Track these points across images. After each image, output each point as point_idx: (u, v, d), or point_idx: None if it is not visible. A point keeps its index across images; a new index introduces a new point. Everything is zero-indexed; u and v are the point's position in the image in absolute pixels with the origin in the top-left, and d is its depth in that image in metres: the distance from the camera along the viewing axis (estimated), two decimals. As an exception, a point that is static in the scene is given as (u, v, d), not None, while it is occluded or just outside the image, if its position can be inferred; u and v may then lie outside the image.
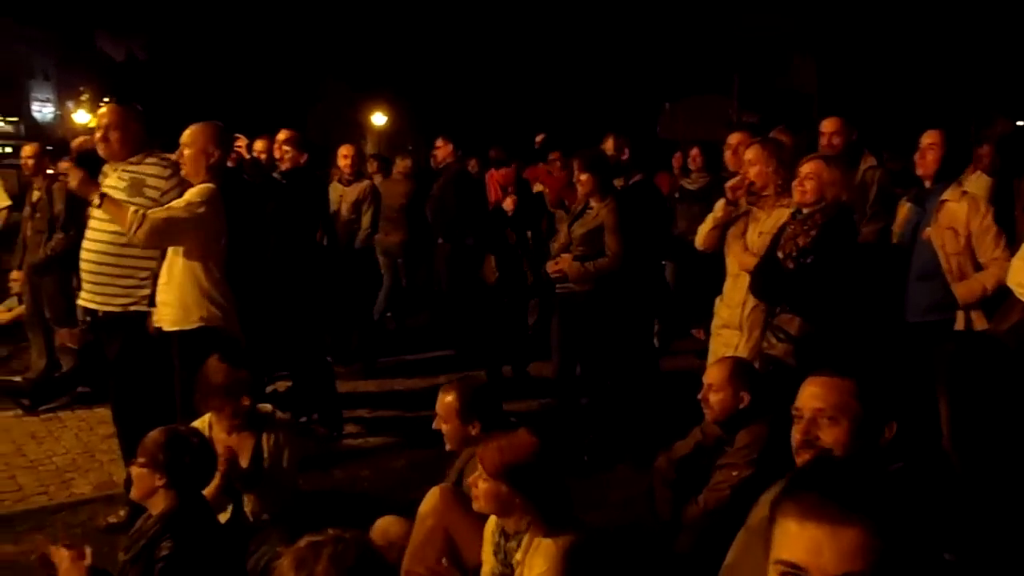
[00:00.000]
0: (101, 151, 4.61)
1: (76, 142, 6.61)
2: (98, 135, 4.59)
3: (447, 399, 3.75)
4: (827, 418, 2.47)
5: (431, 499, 3.59)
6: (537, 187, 8.58)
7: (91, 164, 4.69)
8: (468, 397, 3.75)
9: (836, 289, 4.09)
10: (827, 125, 5.56)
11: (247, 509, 3.96)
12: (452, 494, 3.61)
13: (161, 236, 4.33)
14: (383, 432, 6.22)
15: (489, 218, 8.04)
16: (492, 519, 3.28)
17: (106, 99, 5.33)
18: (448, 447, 3.80)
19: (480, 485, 3.13)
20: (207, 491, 3.65)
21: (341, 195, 7.71)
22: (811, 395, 2.53)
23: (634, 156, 6.19)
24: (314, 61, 35.44)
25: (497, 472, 3.08)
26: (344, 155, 7.90)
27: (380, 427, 6.34)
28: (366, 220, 7.72)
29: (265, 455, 4.00)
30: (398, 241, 8.87)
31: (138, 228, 4.22)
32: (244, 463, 3.98)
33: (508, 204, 7.77)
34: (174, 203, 4.38)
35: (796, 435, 2.52)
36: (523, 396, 6.62)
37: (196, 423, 4.01)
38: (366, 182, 7.99)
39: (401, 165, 9.52)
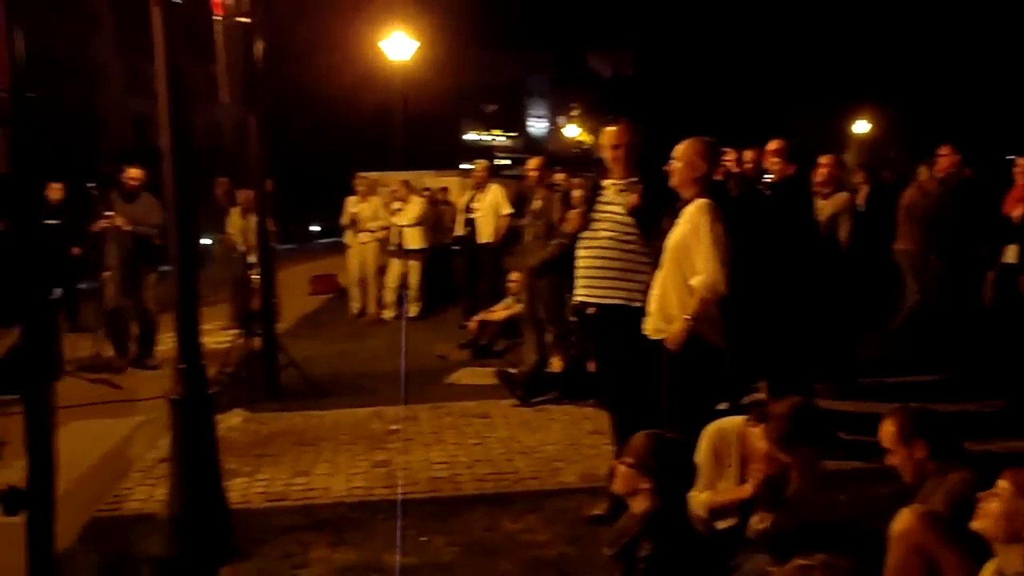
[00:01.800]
0: (607, 166, 4.91)
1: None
2: (605, 153, 4.89)
3: (886, 427, 3.50)
4: None
5: (903, 521, 3.31)
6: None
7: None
8: (910, 421, 3.47)
9: None
10: None
11: (759, 523, 3.88)
12: (928, 516, 3.29)
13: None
14: (862, 456, 5.88)
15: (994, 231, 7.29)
16: (991, 564, 2.93)
17: (612, 116, 5.76)
18: (906, 479, 3.52)
19: (993, 504, 2.81)
20: (731, 495, 3.69)
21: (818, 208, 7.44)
22: None
23: None
24: (794, 71, 34.91)
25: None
26: (823, 164, 7.61)
27: (858, 450, 6.00)
28: (843, 232, 7.36)
29: (796, 472, 3.88)
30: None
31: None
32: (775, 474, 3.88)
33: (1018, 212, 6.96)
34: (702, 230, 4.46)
35: None
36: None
37: (727, 423, 4.04)
38: (844, 195, 7.63)
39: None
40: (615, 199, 4.83)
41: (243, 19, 6.97)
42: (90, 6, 32.49)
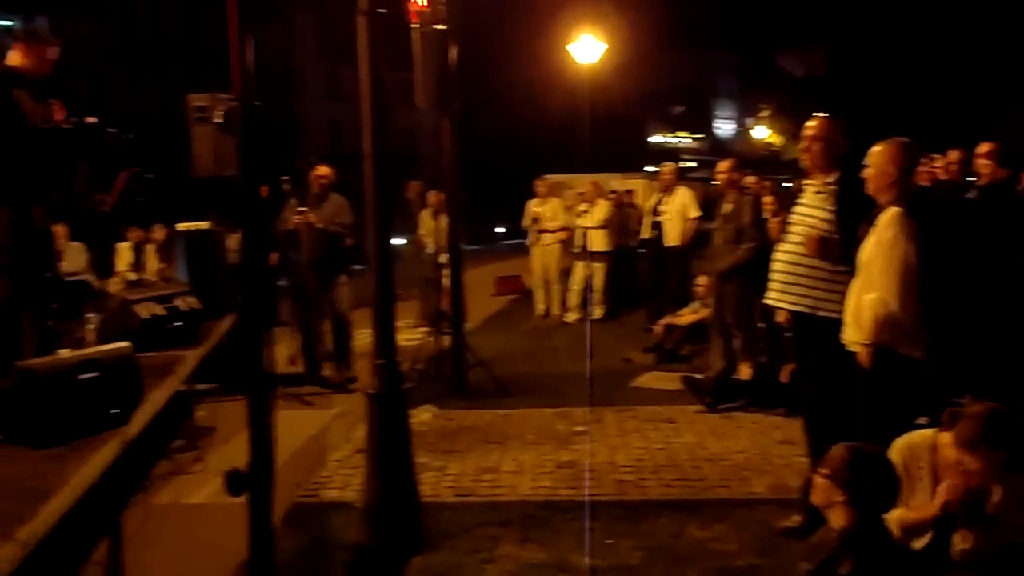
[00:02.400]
0: (804, 161, 4.76)
1: None
2: (803, 145, 4.74)
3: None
4: None
5: None
6: None
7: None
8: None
9: None
10: None
11: (961, 543, 3.69)
12: None
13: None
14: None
15: None
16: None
17: (818, 113, 5.53)
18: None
19: None
20: (923, 512, 3.53)
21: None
22: None
23: None
24: (997, 70, 32.74)
25: None
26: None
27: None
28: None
29: (997, 485, 3.66)
30: None
31: None
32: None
33: None
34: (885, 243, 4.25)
35: None
36: None
37: (917, 436, 3.85)
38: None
39: None
40: (813, 202, 4.67)
41: (439, 26, 7.19)
42: (297, 17, 34.29)
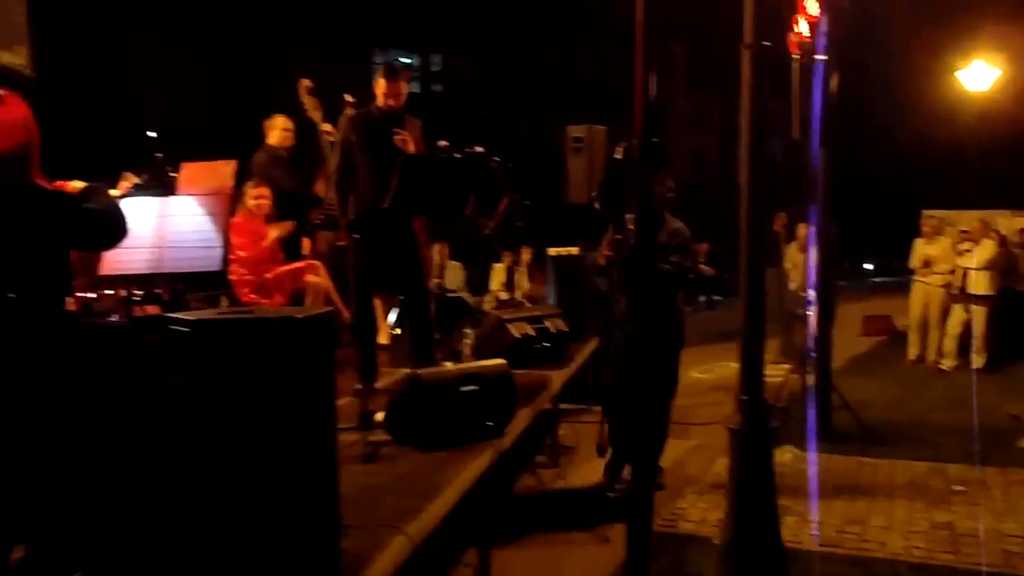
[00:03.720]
0: None
1: None
2: None
3: None
4: None
5: None
6: None
7: None
8: None
9: None
10: None
11: None
12: None
13: None
14: None
15: None
16: None
17: None
18: None
19: None
20: None
21: None
22: None
23: None
24: None
25: None
26: None
27: None
28: None
29: None
30: None
31: None
32: None
33: None
34: None
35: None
36: None
37: None
38: None
39: None
40: None
41: (819, 57, 6.96)
42: (670, 57, 34.91)
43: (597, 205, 6.14)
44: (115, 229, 3.28)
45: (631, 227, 4.54)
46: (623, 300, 5.19)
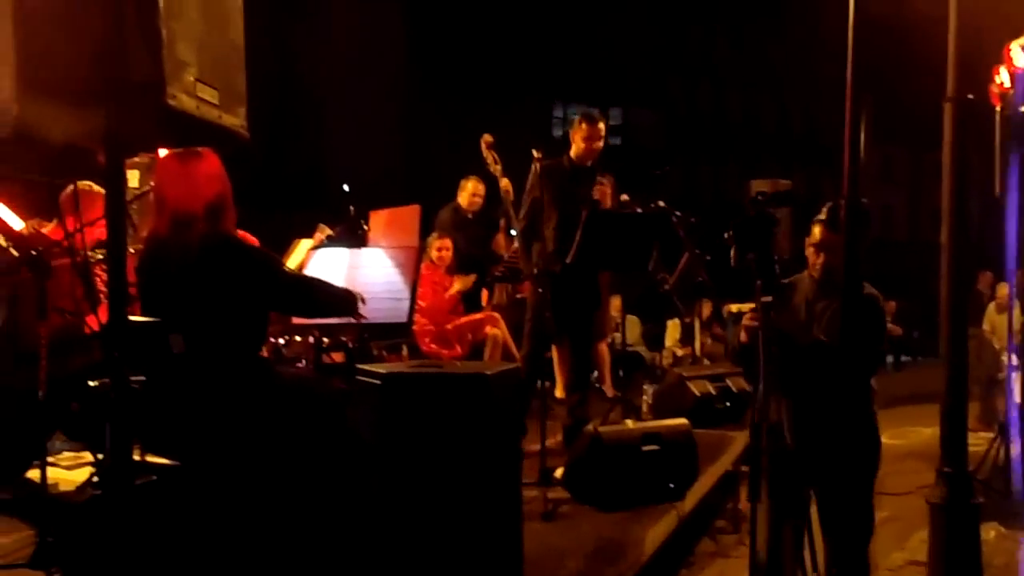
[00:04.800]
0: None
1: None
2: None
3: None
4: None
5: None
6: None
7: None
8: None
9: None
10: None
11: None
12: None
13: None
14: None
15: None
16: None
17: None
18: None
19: None
20: None
21: None
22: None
23: None
24: None
25: None
26: None
27: None
28: None
29: None
30: None
31: None
32: None
33: None
34: None
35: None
36: None
37: None
38: None
39: None
40: None
41: (1023, 110, 6.59)
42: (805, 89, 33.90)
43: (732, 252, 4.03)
44: (314, 304, 3.40)
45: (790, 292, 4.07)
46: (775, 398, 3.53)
